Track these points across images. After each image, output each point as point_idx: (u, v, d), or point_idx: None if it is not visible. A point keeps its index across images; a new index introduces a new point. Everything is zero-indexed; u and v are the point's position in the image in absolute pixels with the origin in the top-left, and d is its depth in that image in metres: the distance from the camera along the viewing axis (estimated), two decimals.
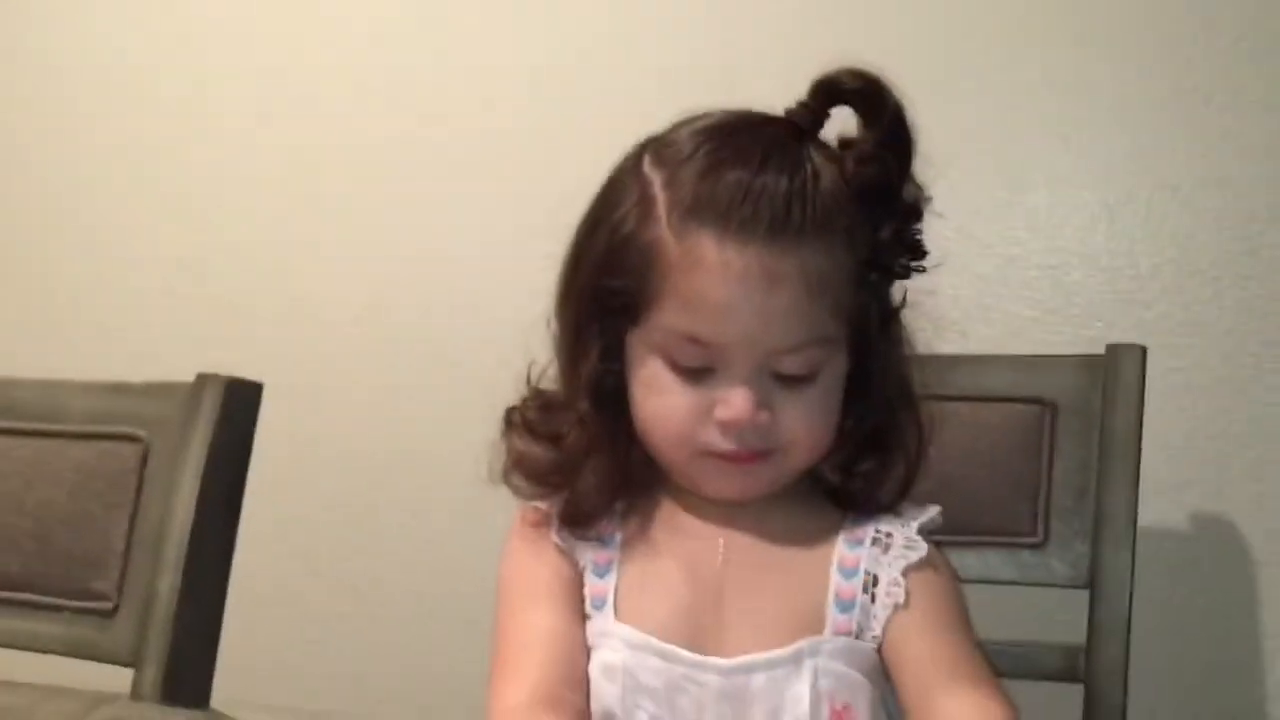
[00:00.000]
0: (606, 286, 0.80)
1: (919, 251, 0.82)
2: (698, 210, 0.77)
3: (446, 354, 1.44)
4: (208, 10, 1.55)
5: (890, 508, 0.85)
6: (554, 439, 0.85)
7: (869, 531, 0.84)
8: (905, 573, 0.82)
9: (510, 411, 0.88)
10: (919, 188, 0.81)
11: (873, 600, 0.82)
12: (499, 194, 1.43)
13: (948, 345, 1.24)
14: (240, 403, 0.90)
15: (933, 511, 0.86)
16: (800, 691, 0.78)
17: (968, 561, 1.10)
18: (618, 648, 0.80)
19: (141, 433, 0.92)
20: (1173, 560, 1.24)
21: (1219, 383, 1.24)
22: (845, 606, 0.82)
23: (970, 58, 1.28)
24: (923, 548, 0.83)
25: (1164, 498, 1.23)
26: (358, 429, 1.47)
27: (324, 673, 1.49)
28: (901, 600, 0.81)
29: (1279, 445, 1.23)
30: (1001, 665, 1.07)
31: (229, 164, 1.53)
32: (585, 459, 0.83)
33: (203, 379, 0.91)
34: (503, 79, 1.44)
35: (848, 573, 0.83)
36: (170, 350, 1.47)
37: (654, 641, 0.80)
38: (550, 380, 0.86)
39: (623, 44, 1.40)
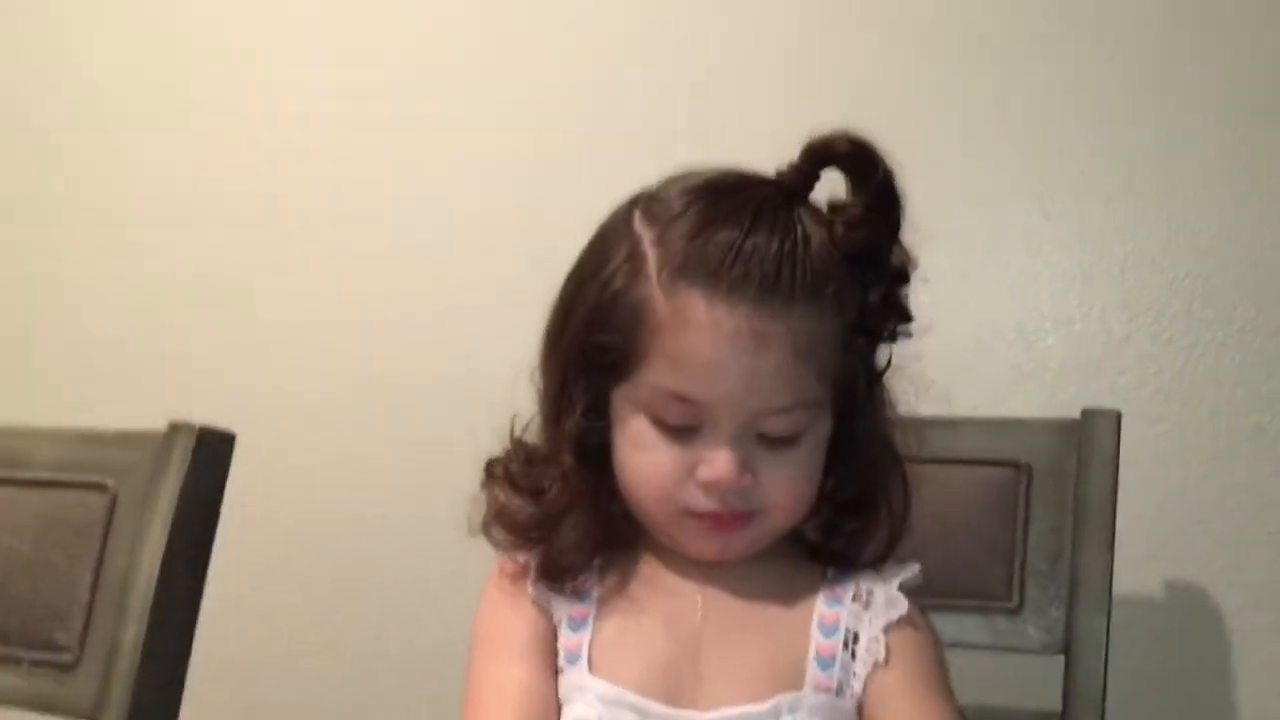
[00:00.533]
0: (594, 343, 0.80)
1: (905, 315, 0.83)
2: (688, 269, 0.77)
3: (427, 401, 1.43)
4: (163, 48, 1.55)
5: (873, 566, 0.85)
6: (535, 493, 0.84)
7: (850, 589, 0.84)
8: (886, 630, 0.82)
9: (492, 464, 0.88)
10: (906, 253, 0.82)
11: (853, 657, 0.81)
12: (482, 240, 1.43)
13: (925, 407, 1.26)
14: (212, 453, 0.89)
15: (914, 569, 0.86)
16: None
17: (943, 625, 1.09)
18: (591, 703, 0.79)
19: (109, 481, 0.91)
20: (1147, 628, 1.24)
21: (1191, 450, 1.24)
22: (825, 664, 0.81)
23: (950, 124, 1.29)
24: (904, 605, 0.83)
25: (1138, 565, 1.23)
26: (331, 479, 1.46)
27: None
28: (882, 658, 0.81)
29: (1251, 514, 1.23)
30: None
31: (203, 203, 1.52)
32: (566, 514, 0.83)
33: (175, 428, 0.89)
34: (486, 128, 1.44)
35: (828, 630, 0.82)
36: (139, 397, 1.46)
37: (629, 696, 0.79)
38: (533, 433, 0.86)
39: (613, 88, 1.41)
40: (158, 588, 0.86)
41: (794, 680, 0.80)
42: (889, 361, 0.84)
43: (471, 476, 0.86)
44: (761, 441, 0.79)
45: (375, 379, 1.45)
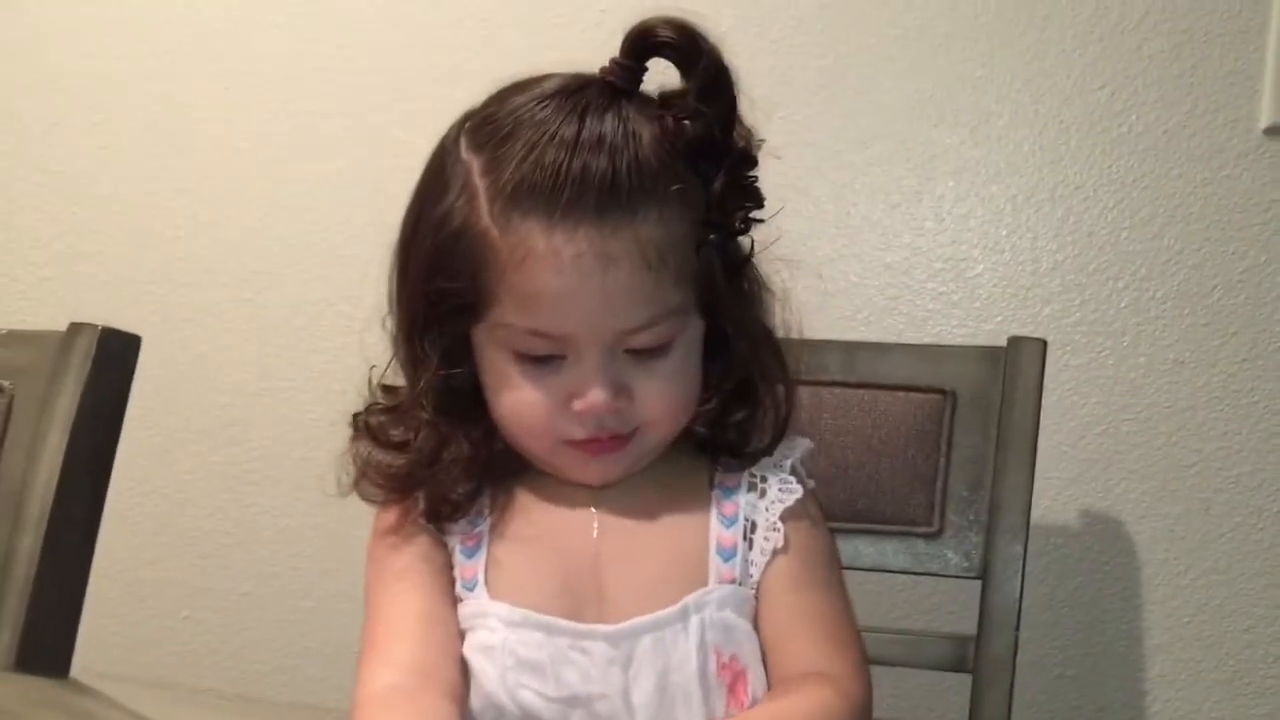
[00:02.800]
0: (439, 289, 0.77)
1: (755, 199, 0.79)
2: (520, 198, 0.73)
3: (321, 336, 1.40)
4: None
5: (766, 451, 0.83)
6: (402, 444, 0.81)
7: (744, 477, 0.83)
8: (783, 517, 0.81)
9: (355, 418, 0.84)
10: (749, 132, 0.78)
11: (750, 546, 0.80)
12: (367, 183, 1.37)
13: (853, 332, 1.25)
14: (115, 355, 0.85)
15: (804, 446, 0.85)
16: (687, 650, 0.77)
17: (865, 549, 1.10)
18: (495, 626, 0.77)
19: (5, 383, 0.87)
20: (1061, 555, 1.26)
21: (1113, 381, 1.25)
22: (727, 555, 0.80)
23: (881, 49, 1.27)
24: (797, 489, 0.82)
25: (1057, 493, 1.24)
26: (235, 395, 1.41)
27: (193, 647, 1.43)
28: (780, 545, 0.80)
29: (1166, 446, 1.25)
30: (893, 654, 1.09)
31: (111, 128, 1.45)
32: (439, 457, 0.80)
33: (75, 328, 0.85)
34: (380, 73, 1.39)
35: (727, 521, 0.81)
36: (42, 305, 1.40)
37: (533, 615, 0.77)
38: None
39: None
40: (56, 496, 0.82)
41: (698, 577, 0.79)
42: (751, 247, 0.81)
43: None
44: (631, 357, 0.77)
45: (286, 290, 1.41)
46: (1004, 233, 1.26)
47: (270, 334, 1.40)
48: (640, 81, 0.77)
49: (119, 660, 1.41)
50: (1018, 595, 1.04)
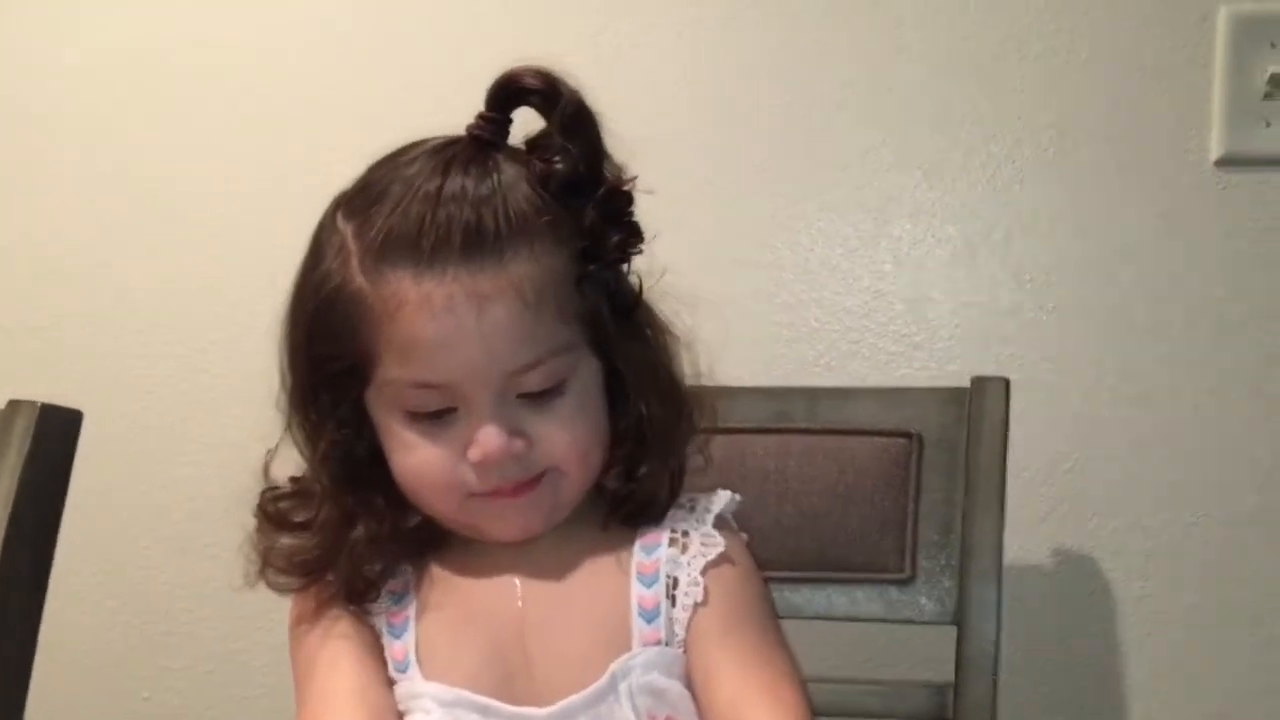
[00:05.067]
0: (321, 355, 0.76)
1: (632, 232, 0.78)
2: (387, 249, 0.72)
3: None
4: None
5: (667, 507, 0.82)
6: (304, 525, 0.79)
7: (665, 534, 0.81)
8: (704, 570, 0.79)
9: (256, 506, 0.82)
10: (618, 167, 0.77)
11: (673, 604, 0.78)
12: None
13: (815, 378, 1.24)
14: (56, 432, 0.83)
15: (724, 498, 0.83)
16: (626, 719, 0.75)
17: (835, 598, 1.08)
18: (430, 708, 0.76)
19: None
20: (1036, 596, 1.24)
21: (1078, 418, 1.24)
22: (650, 616, 0.78)
23: (830, 97, 1.27)
24: (720, 543, 0.80)
25: (1027, 534, 1.23)
26: (186, 462, 1.37)
27: None
28: (700, 598, 0.78)
29: (1136, 481, 1.24)
30: (870, 705, 1.07)
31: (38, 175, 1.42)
32: (345, 535, 0.78)
33: (14, 405, 0.83)
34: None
35: (647, 580, 0.79)
36: None
37: (467, 695, 0.76)
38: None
39: None
40: None
41: (622, 642, 0.77)
42: (641, 285, 0.80)
43: None
44: (525, 402, 0.75)
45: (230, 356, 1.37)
46: (962, 273, 1.26)
47: (229, 404, 1.37)
48: (507, 133, 0.77)
49: None
50: (994, 639, 1.02)
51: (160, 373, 1.37)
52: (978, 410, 1.07)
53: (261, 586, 0.93)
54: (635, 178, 0.77)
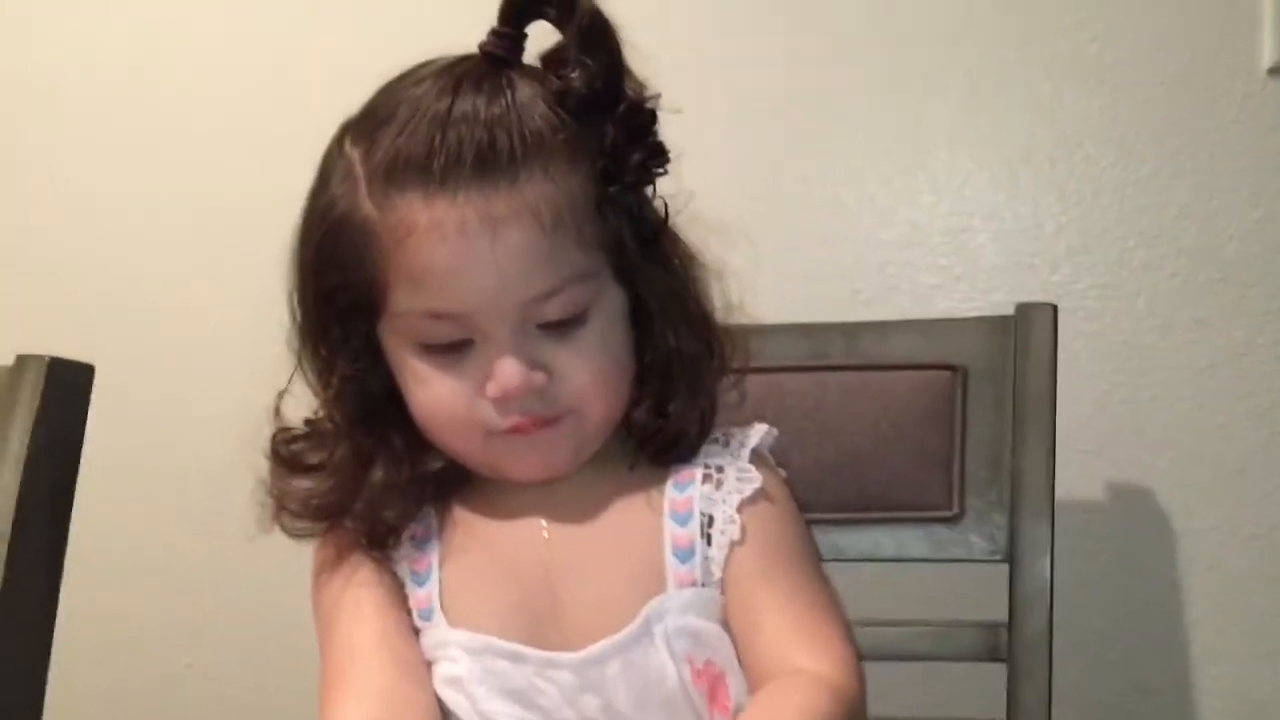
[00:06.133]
0: (332, 285, 0.72)
1: (656, 152, 0.73)
2: (396, 171, 0.69)
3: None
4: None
5: (698, 444, 0.78)
6: (318, 467, 0.76)
7: (698, 470, 0.77)
8: (740, 507, 0.75)
9: (268, 447, 0.79)
10: (640, 84, 0.73)
11: (709, 543, 0.75)
12: None
13: (853, 314, 1.20)
14: (67, 387, 0.80)
15: (760, 432, 0.79)
16: (661, 664, 0.71)
17: (881, 540, 1.04)
18: (457, 656, 0.72)
19: None
20: (1090, 531, 1.19)
21: (1129, 346, 1.19)
22: (684, 555, 0.74)
23: (872, 20, 1.21)
24: (756, 478, 0.76)
25: (1077, 466, 1.18)
26: (196, 421, 1.33)
27: (170, 695, 1.37)
28: (737, 536, 0.74)
29: (1191, 410, 1.19)
30: (919, 647, 1.03)
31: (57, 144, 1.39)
32: (363, 476, 0.74)
33: (23, 361, 0.80)
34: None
35: (681, 518, 0.75)
36: None
37: (496, 642, 0.72)
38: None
39: None
40: (13, 541, 0.77)
41: (655, 584, 0.74)
42: (667, 211, 0.76)
43: None
44: (545, 333, 0.71)
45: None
46: (1002, 199, 1.21)
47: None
48: (521, 50, 0.73)
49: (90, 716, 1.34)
50: (1048, 577, 0.98)
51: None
52: (1023, 339, 1.02)
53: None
54: (658, 95, 0.73)
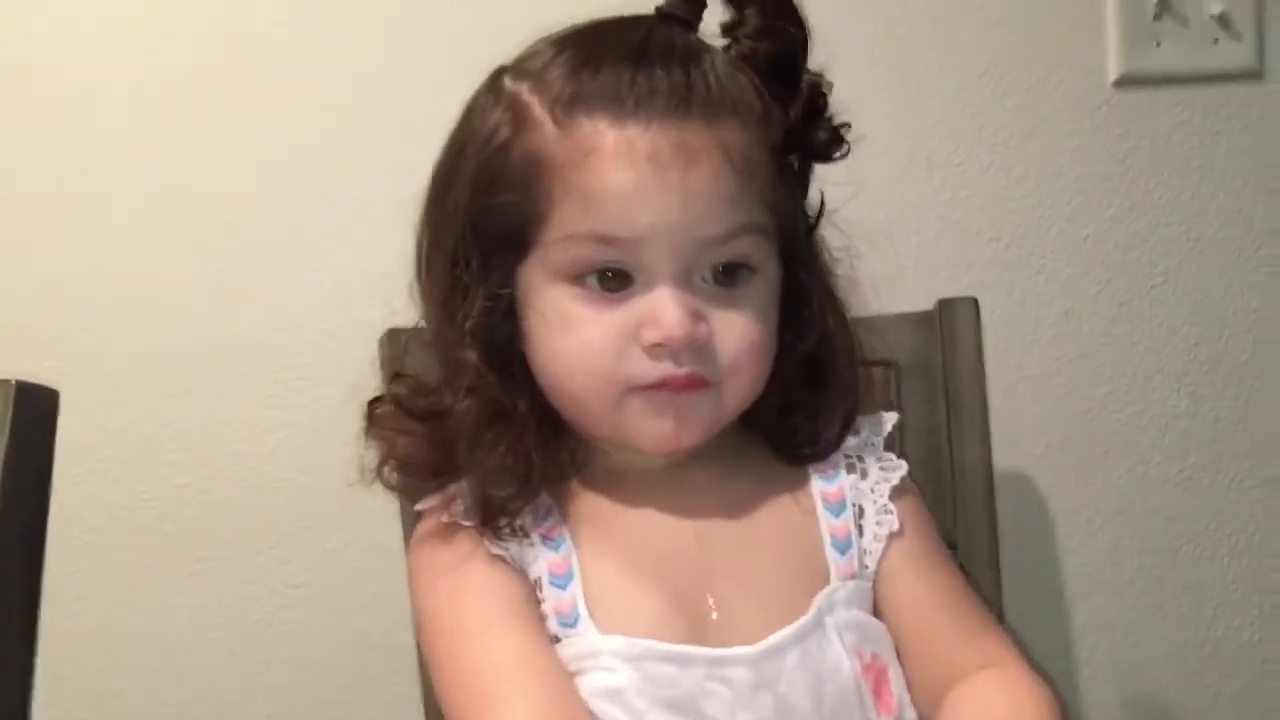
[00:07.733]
0: (487, 206, 0.68)
1: (837, 135, 0.73)
2: (582, 99, 0.66)
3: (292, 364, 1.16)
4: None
5: (840, 442, 0.77)
6: (437, 415, 0.70)
7: (839, 460, 0.76)
8: (891, 497, 0.75)
9: (374, 401, 0.73)
10: (818, 75, 0.73)
11: (860, 534, 0.74)
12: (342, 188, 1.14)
13: None
14: (34, 412, 0.68)
15: (892, 419, 0.79)
16: (837, 657, 0.69)
17: None
18: (614, 665, 0.66)
19: None
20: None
21: (1006, 340, 1.25)
22: (843, 547, 0.73)
23: None
24: (901, 465, 0.77)
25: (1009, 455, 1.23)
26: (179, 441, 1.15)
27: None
28: (895, 528, 0.74)
29: (1062, 398, 1.26)
30: None
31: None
32: (484, 431, 0.68)
33: None
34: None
35: (835, 509, 0.74)
36: None
37: (659, 646, 0.67)
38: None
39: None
40: None
41: (818, 576, 0.72)
42: (823, 206, 0.76)
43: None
44: (708, 286, 0.68)
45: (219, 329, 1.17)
46: (928, 192, 1.24)
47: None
48: (700, 15, 0.71)
49: None
50: (995, 563, 1.02)
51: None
52: (949, 332, 1.06)
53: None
54: (832, 85, 0.72)
